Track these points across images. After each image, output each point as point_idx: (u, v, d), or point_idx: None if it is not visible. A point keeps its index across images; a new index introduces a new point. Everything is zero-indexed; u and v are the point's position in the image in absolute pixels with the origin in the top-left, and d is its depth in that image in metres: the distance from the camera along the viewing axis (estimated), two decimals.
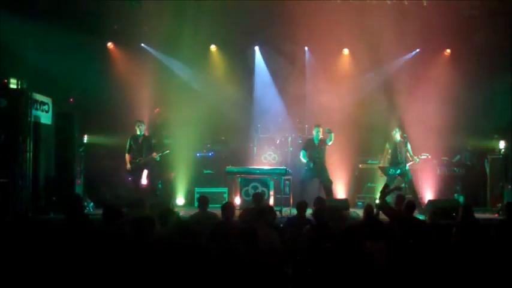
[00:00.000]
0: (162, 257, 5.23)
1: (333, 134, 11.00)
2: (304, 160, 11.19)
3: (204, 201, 7.75)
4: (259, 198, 8.46)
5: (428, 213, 7.92)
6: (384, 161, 11.69)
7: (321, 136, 11.15)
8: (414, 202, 8.33)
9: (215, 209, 7.77)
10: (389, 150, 11.23)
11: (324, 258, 5.37)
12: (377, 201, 8.80)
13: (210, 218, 7.43)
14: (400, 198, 8.30)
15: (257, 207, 7.99)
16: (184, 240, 5.66)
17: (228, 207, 7.17)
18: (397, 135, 11.04)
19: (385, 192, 8.31)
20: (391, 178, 10.95)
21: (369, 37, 12.11)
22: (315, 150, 11.11)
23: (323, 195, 10.52)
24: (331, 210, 7.73)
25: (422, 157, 11.27)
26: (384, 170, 11.24)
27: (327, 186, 11.09)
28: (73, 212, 7.45)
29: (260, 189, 10.65)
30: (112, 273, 5.13)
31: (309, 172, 11.09)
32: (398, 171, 10.92)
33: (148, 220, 6.19)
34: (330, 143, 11.06)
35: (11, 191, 9.51)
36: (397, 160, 10.96)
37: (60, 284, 5.28)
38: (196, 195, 11.66)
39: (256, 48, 13.49)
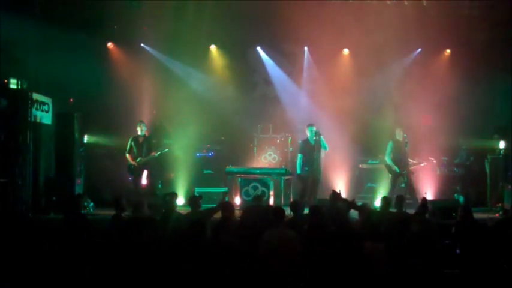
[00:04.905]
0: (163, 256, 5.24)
1: (321, 137, 10.57)
2: (298, 169, 10.67)
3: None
4: (258, 199, 8.51)
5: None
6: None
7: (315, 137, 10.62)
8: (403, 196, 8.54)
9: None
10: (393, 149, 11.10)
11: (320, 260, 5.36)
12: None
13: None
14: (400, 199, 8.30)
15: (262, 206, 8.06)
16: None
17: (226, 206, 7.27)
18: (400, 135, 11.00)
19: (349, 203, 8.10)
20: (396, 176, 10.94)
21: (369, 37, 12.11)
22: (313, 151, 10.57)
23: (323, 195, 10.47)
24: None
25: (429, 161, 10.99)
26: (390, 168, 11.11)
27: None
28: (72, 211, 7.47)
29: (260, 189, 10.65)
30: (111, 273, 5.14)
31: (307, 172, 10.68)
32: (404, 171, 10.88)
33: (148, 221, 6.21)
34: (326, 149, 10.67)
35: (11, 191, 9.51)
36: (399, 159, 10.92)
37: (60, 283, 5.29)
38: (197, 196, 11.67)
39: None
